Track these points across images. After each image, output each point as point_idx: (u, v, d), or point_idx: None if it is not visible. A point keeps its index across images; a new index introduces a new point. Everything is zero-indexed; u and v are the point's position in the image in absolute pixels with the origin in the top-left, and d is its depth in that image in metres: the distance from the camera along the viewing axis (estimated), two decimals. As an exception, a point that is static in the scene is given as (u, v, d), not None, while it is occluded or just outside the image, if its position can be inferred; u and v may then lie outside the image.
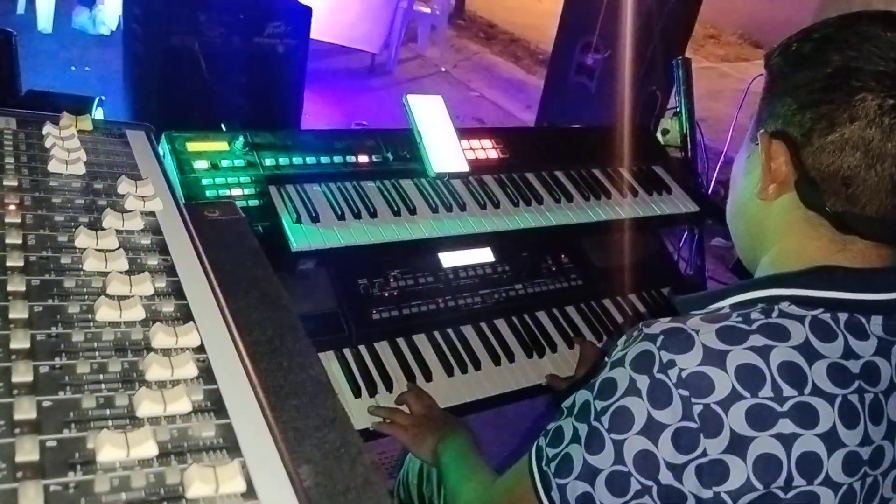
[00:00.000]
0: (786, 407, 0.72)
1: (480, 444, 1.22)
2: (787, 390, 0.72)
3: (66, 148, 0.77)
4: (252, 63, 3.06)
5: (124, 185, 0.75)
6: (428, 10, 5.48)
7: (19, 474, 0.45)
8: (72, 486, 0.45)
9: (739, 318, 0.77)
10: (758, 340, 0.74)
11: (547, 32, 6.12)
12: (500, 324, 1.62)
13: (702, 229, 2.17)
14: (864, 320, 0.77)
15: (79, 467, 0.47)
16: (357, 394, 1.37)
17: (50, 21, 4.52)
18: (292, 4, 3.19)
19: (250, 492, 0.48)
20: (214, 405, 0.54)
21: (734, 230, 0.94)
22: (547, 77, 4.08)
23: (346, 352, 1.44)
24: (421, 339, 1.52)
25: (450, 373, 1.48)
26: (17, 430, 0.48)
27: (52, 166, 0.75)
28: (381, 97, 4.81)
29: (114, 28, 4.59)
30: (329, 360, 1.40)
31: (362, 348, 1.46)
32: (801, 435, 0.72)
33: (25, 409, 0.49)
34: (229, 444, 0.51)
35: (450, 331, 1.56)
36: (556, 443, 0.82)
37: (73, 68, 4.16)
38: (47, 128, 0.80)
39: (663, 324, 0.77)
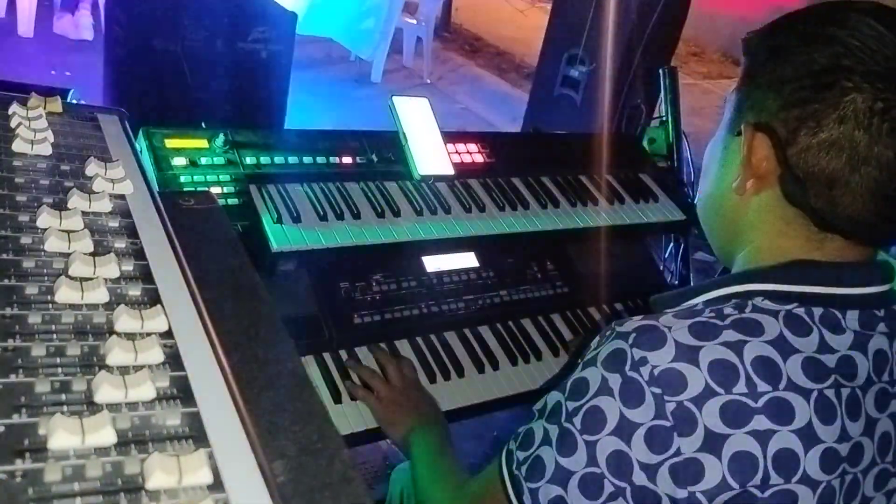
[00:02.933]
0: (760, 403, 0.70)
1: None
2: (762, 385, 0.70)
3: (32, 128, 0.73)
4: (235, 68, 3.01)
5: (92, 167, 0.71)
6: (414, 22, 5.48)
7: (-40, 461, 0.41)
8: (19, 475, 0.41)
9: (712, 314, 0.75)
10: (731, 335, 0.72)
11: (532, 46, 6.14)
12: (484, 330, 1.58)
13: (687, 239, 2.16)
14: (839, 314, 0.76)
15: (28, 455, 0.42)
16: (337, 399, 1.33)
17: (31, 25, 4.45)
18: (277, 10, 3.16)
19: (217, 484, 0.44)
20: (181, 393, 0.50)
21: (707, 224, 0.91)
22: (532, 88, 4.08)
23: (327, 356, 1.39)
24: (403, 345, 1.48)
25: (432, 379, 1.44)
26: (-40, 415, 0.44)
27: (17, 146, 0.70)
28: (365, 107, 4.78)
29: (90, 37, 4.53)
30: (309, 364, 1.36)
31: (343, 353, 1.42)
32: (777, 431, 0.70)
33: (-29, 393, 0.44)
34: (196, 434, 0.47)
35: (433, 337, 1.52)
36: (527, 446, 0.80)
37: (53, 72, 4.10)
38: (14, 108, 0.76)
39: (636, 321, 0.76)
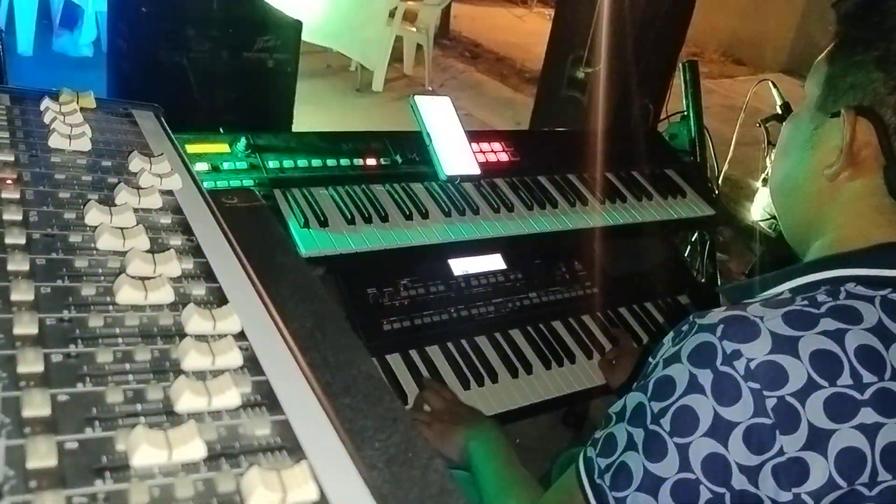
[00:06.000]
0: (867, 395, 0.65)
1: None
2: (867, 376, 0.66)
3: (67, 123, 0.68)
4: (242, 78, 2.97)
5: (136, 162, 0.65)
6: (413, 30, 5.45)
7: (33, 483, 0.35)
8: (101, 498, 0.35)
9: (805, 302, 0.69)
10: (829, 324, 0.67)
11: (532, 51, 6.12)
12: (516, 334, 1.53)
13: (714, 235, 2.12)
14: None
15: (108, 474, 0.37)
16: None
17: (30, 43, 4.40)
18: (282, 19, 3.12)
19: (322, 501, 0.38)
20: (266, 399, 0.44)
21: (782, 206, 0.85)
22: (538, 91, 4.04)
23: (358, 365, 1.34)
24: (434, 351, 1.43)
25: (466, 386, 1.39)
26: (26, 430, 0.38)
27: (53, 141, 0.65)
28: (368, 116, 4.74)
29: (90, 53, 4.49)
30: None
31: (374, 361, 1.37)
32: (885, 424, 0.65)
33: (37, 405, 0.38)
34: (289, 445, 0.41)
35: (464, 342, 1.47)
36: (609, 452, 0.73)
37: (53, 90, 4.05)
38: (46, 103, 0.71)
39: (720, 312, 0.70)
